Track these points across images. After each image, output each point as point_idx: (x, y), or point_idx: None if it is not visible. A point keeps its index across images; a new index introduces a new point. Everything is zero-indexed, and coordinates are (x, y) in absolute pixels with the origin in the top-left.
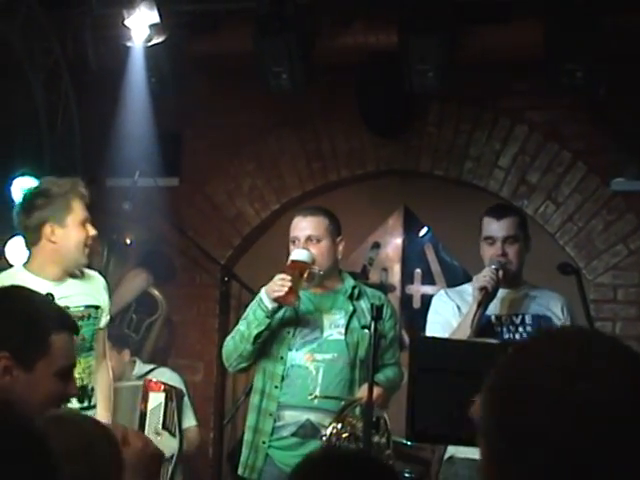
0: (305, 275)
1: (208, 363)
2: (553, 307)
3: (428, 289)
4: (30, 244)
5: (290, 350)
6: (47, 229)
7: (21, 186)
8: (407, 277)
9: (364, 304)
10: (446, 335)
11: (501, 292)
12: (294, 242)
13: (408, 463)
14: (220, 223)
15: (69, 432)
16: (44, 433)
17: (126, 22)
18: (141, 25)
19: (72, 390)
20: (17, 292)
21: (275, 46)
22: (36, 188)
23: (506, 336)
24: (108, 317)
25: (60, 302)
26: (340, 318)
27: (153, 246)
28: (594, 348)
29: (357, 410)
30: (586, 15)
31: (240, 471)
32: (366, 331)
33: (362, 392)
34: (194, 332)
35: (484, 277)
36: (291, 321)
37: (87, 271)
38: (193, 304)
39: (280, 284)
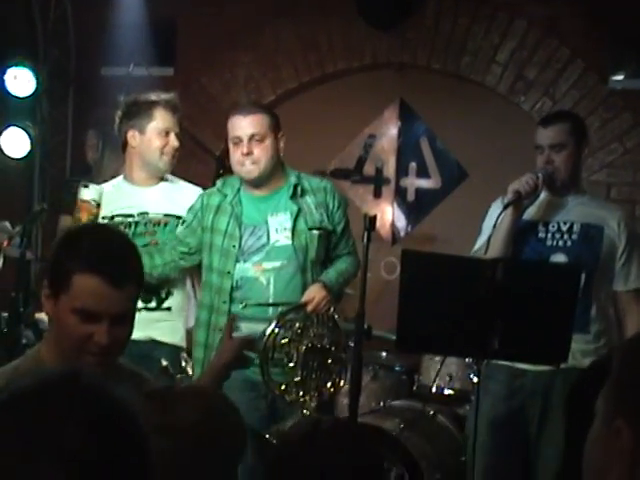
0: (92, 215)
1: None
2: (609, 219)
3: (422, 182)
4: (122, 150)
5: (238, 262)
6: (130, 135)
7: (14, 77)
8: (402, 170)
9: (310, 200)
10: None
11: (551, 198)
12: (236, 143)
13: (399, 357)
14: (215, 114)
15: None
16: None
17: None
18: None
19: (100, 338)
20: (76, 229)
21: None
22: (131, 98)
23: (549, 243)
24: None
25: (140, 206)
26: (285, 220)
27: None
28: None
29: (302, 314)
30: None
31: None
32: (314, 232)
33: (306, 296)
34: None
35: (520, 181)
36: (235, 233)
37: (184, 183)
38: None
39: None
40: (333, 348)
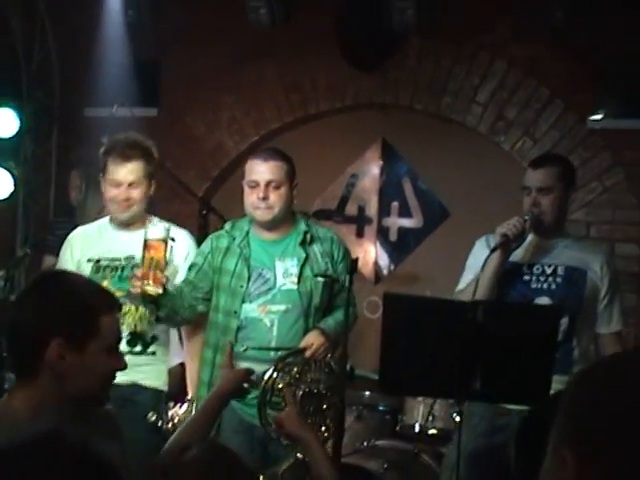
0: (163, 252)
1: None
2: (592, 262)
3: (405, 222)
4: None
5: (244, 302)
6: (102, 183)
7: None
8: (384, 210)
9: (317, 248)
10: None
11: (537, 240)
12: (253, 186)
13: (383, 397)
14: (199, 155)
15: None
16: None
17: None
18: None
19: (120, 363)
20: (63, 277)
21: None
22: (104, 146)
23: (534, 285)
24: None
25: (127, 250)
26: (293, 266)
27: None
28: None
29: (300, 359)
30: None
31: None
32: (319, 279)
33: (304, 342)
34: None
35: (508, 224)
36: (243, 273)
37: (173, 228)
38: None
39: (135, 284)
40: (329, 394)
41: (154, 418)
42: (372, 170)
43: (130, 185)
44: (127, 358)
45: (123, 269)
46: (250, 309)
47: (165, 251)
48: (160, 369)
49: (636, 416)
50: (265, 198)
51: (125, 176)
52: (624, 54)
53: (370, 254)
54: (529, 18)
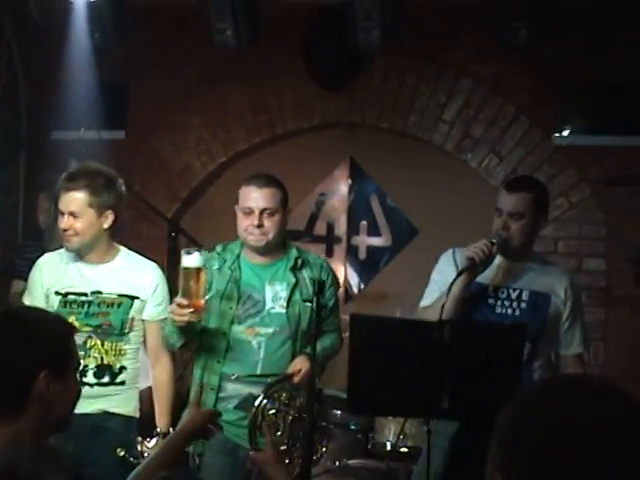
0: (203, 279)
1: None
2: (556, 286)
3: (374, 240)
4: None
5: (232, 324)
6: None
7: None
8: (353, 228)
9: (307, 274)
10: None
11: (505, 263)
12: (247, 213)
13: (354, 416)
14: (167, 176)
15: None
16: None
17: None
18: None
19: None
20: (23, 313)
21: (219, 1)
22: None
23: (499, 310)
24: (159, 309)
25: (94, 285)
26: (282, 290)
27: None
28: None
29: (288, 385)
30: None
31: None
32: (308, 304)
33: (292, 367)
34: None
35: (474, 248)
36: (233, 295)
37: (140, 260)
38: None
39: (180, 313)
40: (317, 418)
41: (122, 453)
42: (341, 189)
43: (71, 215)
44: (95, 389)
45: (90, 304)
46: (238, 331)
47: (204, 277)
48: (130, 395)
49: (551, 442)
50: (260, 226)
51: (66, 206)
52: (588, 71)
53: (340, 273)
54: (493, 36)
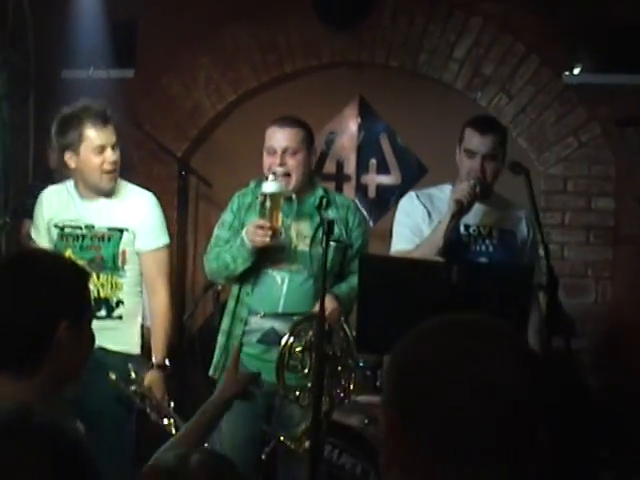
0: (281, 206)
1: None
2: (518, 222)
3: (383, 179)
4: (66, 167)
5: (260, 258)
6: (67, 156)
7: None
8: (362, 167)
9: (332, 213)
10: (416, 240)
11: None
12: (270, 152)
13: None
14: (176, 115)
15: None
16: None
17: None
18: None
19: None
20: (39, 258)
21: None
22: (61, 113)
23: (473, 248)
24: (150, 238)
25: (87, 219)
26: (307, 229)
27: None
28: (489, 335)
29: (314, 323)
30: None
31: (211, 372)
32: (332, 243)
33: (317, 306)
34: None
35: (462, 191)
36: None
37: (131, 190)
38: None
39: (262, 233)
40: (342, 356)
41: (114, 377)
42: (350, 128)
43: (113, 148)
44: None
45: (84, 238)
46: (264, 265)
47: (281, 203)
48: (128, 333)
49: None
50: (282, 165)
51: (108, 138)
52: (599, 9)
53: None
54: None
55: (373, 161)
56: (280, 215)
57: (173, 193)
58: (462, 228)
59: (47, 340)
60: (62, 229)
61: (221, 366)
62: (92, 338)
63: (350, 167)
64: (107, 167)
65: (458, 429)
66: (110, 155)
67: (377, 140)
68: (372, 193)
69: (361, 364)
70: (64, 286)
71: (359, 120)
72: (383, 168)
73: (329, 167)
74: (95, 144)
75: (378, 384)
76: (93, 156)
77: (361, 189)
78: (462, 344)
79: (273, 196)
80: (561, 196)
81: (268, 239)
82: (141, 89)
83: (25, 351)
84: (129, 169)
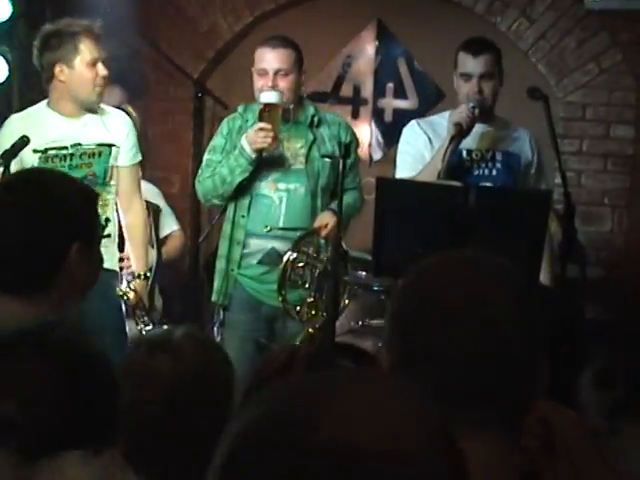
0: (280, 115)
1: (184, 176)
2: (522, 143)
3: (400, 103)
4: (46, 81)
5: (255, 180)
6: (57, 69)
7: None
8: (379, 91)
9: (324, 131)
10: (419, 167)
11: (475, 126)
12: (261, 74)
13: (378, 277)
14: (193, 36)
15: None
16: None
17: None
18: None
19: None
20: (48, 178)
21: None
22: (50, 28)
23: (476, 172)
24: (131, 154)
25: (73, 138)
26: (301, 147)
27: (125, 61)
28: (489, 273)
29: (315, 238)
30: None
31: (214, 298)
32: (326, 160)
33: (318, 222)
34: (169, 145)
35: (460, 113)
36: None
37: (108, 108)
38: (167, 118)
39: (263, 135)
40: (341, 272)
41: (121, 293)
42: (367, 51)
43: (104, 63)
44: None
45: (72, 157)
46: (261, 186)
47: (280, 113)
48: (113, 250)
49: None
50: (274, 86)
51: (102, 53)
52: None
53: (365, 135)
54: None
55: (390, 85)
56: (279, 125)
57: (189, 114)
58: (464, 153)
59: (58, 262)
60: (44, 152)
61: (223, 292)
62: (101, 259)
63: (367, 91)
64: (99, 81)
65: (458, 369)
66: (102, 69)
67: (394, 64)
68: (389, 117)
69: (375, 288)
70: (76, 208)
71: (376, 44)
72: (400, 92)
73: (346, 90)
74: (90, 57)
75: None
76: (88, 69)
77: (378, 113)
78: (462, 283)
79: (272, 105)
80: (579, 123)
81: (270, 140)
82: (157, 9)
83: (37, 273)
84: (145, 89)
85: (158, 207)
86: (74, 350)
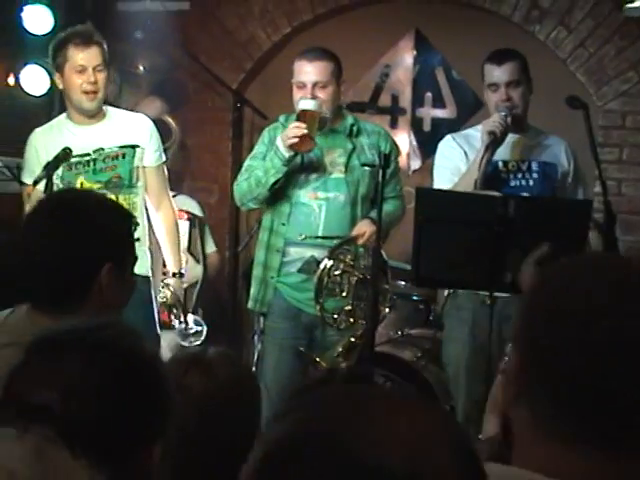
0: (317, 122)
1: (222, 186)
2: (558, 153)
3: (438, 112)
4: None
5: (295, 188)
6: (56, 78)
7: (31, 14)
8: (417, 100)
9: (364, 140)
10: (455, 179)
11: (509, 137)
12: (300, 87)
13: (416, 287)
14: (232, 47)
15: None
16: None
17: None
18: None
19: None
20: (85, 198)
21: None
22: (53, 39)
23: (513, 183)
24: (157, 154)
25: (94, 143)
26: (340, 156)
27: (165, 73)
28: (629, 284)
29: (352, 246)
30: None
31: (251, 305)
32: (366, 168)
33: (356, 230)
34: (208, 156)
35: (493, 122)
36: (296, 160)
37: (125, 112)
38: (206, 128)
39: (295, 132)
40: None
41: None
42: (405, 60)
43: (95, 69)
44: None
45: (95, 162)
46: (300, 194)
47: (317, 120)
48: (143, 254)
49: (558, 323)
50: (313, 98)
51: (91, 60)
52: None
53: (404, 145)
54: None
55: (428, 94)
56: (315, 128)
57: (228, 125)
58: (500, 164)
59: (89, 281)
60: (67, 160)
61: (260, 299)
62: (134, 282)
63: (405, 100)
64: (86, 87)
65: (584, 397)
66: (90, 75)
67: (433, 73)
68: (427, 127)
69: (414, 297)
70: (108, 230)
71: (415, 53)
72: (438, 102)
73: (384, 100)
74: (76, 64)
75: (431, 317)
76: (75, 76)
77: (416, 122)
78: (603, 292)
79: (310, 112)
80: (619, 131)
81: (298, 140)
82: (196, 21)
83: (68, 292)
84: (184, 100)
85: (204, 220)
86: (124, 351)
